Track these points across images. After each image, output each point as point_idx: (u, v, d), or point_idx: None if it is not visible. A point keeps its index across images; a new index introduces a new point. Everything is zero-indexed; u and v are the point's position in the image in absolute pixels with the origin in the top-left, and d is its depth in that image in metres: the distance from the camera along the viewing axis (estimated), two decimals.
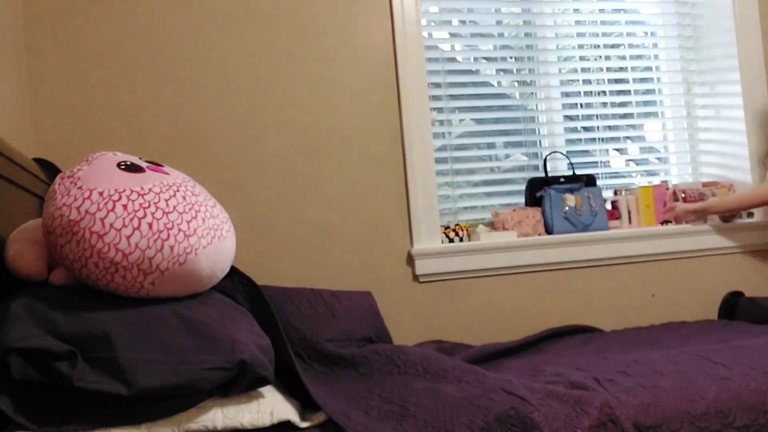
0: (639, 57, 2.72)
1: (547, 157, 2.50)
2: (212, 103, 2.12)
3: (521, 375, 1.59)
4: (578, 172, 2.53)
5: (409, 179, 2.23)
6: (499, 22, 2.64)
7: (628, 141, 2.72)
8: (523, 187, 2.49)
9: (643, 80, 2.70)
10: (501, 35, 2.67)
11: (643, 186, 2.51)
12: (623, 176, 2.72)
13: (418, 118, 2.25)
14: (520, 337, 2.16)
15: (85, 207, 1.13)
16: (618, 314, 2.38)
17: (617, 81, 2.67)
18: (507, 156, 2.62)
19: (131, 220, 1.14)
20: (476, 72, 2.61)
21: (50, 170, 1.83)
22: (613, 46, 2.69)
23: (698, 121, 2.73)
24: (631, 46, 2.71)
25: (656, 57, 2.75)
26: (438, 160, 2.38)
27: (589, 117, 2.65)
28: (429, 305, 2.24)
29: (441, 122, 2.45)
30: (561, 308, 2.34)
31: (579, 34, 2.66)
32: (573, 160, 2.53)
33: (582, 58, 2.64)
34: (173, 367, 1.09)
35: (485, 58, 2.61)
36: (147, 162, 1.32)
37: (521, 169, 2.58)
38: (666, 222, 2.49)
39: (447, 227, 2.30)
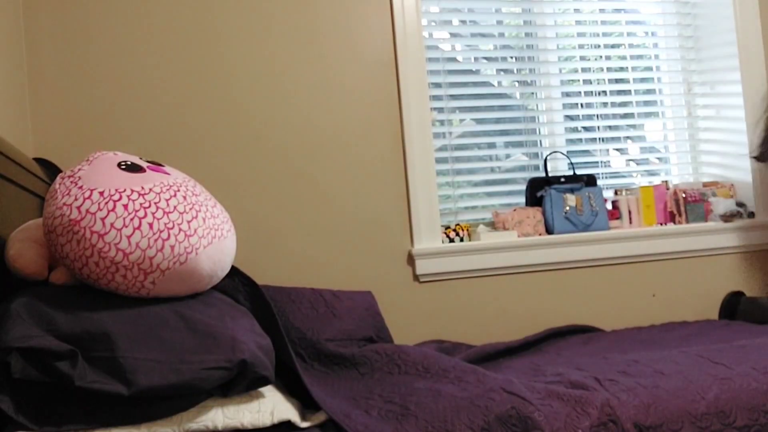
0: (639, 57, 2.72)
1: (548, 157, 2.50)
2: (212, 103, 2.12)
3: (522, 375, 1.59)
4: (579, 172, 2.53)
5: (410, 179, 2.23)
6: (499, 22, 2.64)
7: (629, 141, 2.72)
8: (523, 187, 2.49)
9: (643, 80, 2.70)
10: (501, 35, 2.67)
11: (644, 186, 2.51)
12: (624, 176, 2.71)
13: (419, 117, 2.25)
14: (520, 336, 2.16)
15: (85, 206, 1.13)
16: (618, 314, 2.38)
17: (618, 81, 2.67)
18: (507, 156, 2.62)
19: (132, 219, 1.14)
20: (477, 72, 2.61)
21: (51, 170, 1.83)
22: (613, 46, 2.69)
23: (699, 121, 2.72)
24: (631, 46, 2.71)
25: (657, 57, 2.75)
26: (438, 160, 2.38)
27: (589, 117, 2.65)
28: (429, 305, 2.23)
29: (441, 122, 2.45)
30: (561, 308, 2.34)
31: (579, 34, 2.66)
32: (573, 160, 2.53)
33: (582, 58, 2.64)
34: (174, 367, 1.09)
35: (486, 58, 2.61)
36: (147, 162, 1.32)
37: (522, 168, 2.57)
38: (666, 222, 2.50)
39: (447, 227, 2.30)
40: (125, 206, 1.15)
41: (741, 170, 2.57)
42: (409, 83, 2.25)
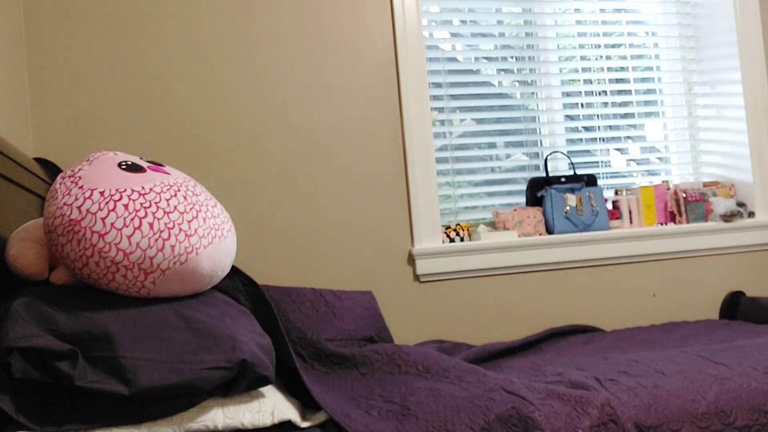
0: (640, 57, 2.72)
1: (548, 157, 2.50)
2: (213, 103, 2.12)
3: (522, 375, 1.59)
4: (579, 171, 2.53)
5: (410, 179, 2.23)
6: (499, 22, 2.64)
7: (629, 141, 2.72)
8: (523, 187, 2.49)
9: (643, 80, 2.70)
10: (502, 35, 2.67)
11: (644, 186, 2.51)
12: (624, 176, 2.71)
13: (419, 117, 2.25)
14: (520, 336, 2.16)
15: (86, 206, 1.13)
16: (619, 314, 2.38)
17: (618, 81, 2.67)
18: (508, 156, 2.62)
19: (132, 219, 1.14)
20: (477, 72, 2.61)
21: (51, 170, 1.83)
22: (613, 46, 2.69)
23: (699, 121, 2.72)
24: (631, 45, 2.71)
25: (657, 57, 2.75)
26: (439, 160, 2.38)
27: (589, 117, 2.65)
28: (430, 305, 2.23)
29: (442, 122, 2.45)
30: (562, 308, 2.34)
31: (580, 34, 2.66)
32: (574, 160, 2.53)
33: (583, 58, 2.63)
34: (174, 367, 1.09)
35: (486, 58, 2.61)
36: (148, 162, 1.32)
37: (522, 168, 2.57)
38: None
39: (448, 227, 2.30)
40: (126, 206, 1.15)
41: (741, 170, 2.57)
42: (409, 83, 2.25)
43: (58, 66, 2.02)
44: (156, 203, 1.18)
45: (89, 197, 1.14)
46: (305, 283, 2.12)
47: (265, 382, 1.19)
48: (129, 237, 1.13)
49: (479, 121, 2.61)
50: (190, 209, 1.22)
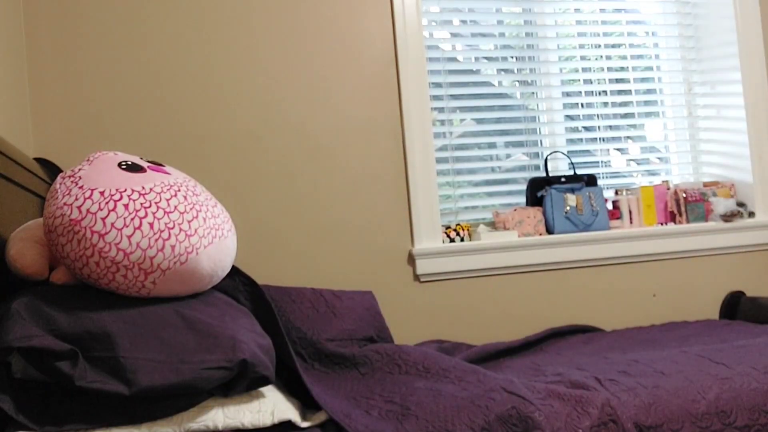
0: (640, 57, 2.71)
1: (548, 157, 2.50)
2: (213, 103, 2.12)
3: (522, 375, 1.59)
4: (579, 171, 2.53)
5: (410, 179, 2.23)
6: (500, 22, 2.64)
7: (629, 141, 2.72)
8: (523, 187, 2.49)
9: (644, 80, 2.70)
10: (502, 35, 2.67)
11: (644, 186, 2.51)
12: (624, 176, 2.71)
13: (419, 117, 2.25)
14: (520, 336, 2.16)
15: (86, 206, 1.13)
16: (619, 314, 2.38)
17: (618, 81, 2.67)
18: (508, 156, 2.62)
19: (132, 219, 1.14)
20: (477, 72, 2.61)
21: (51, 170, 1.83)
22: (614, 46, 2.69)
23: (699, 121, 2.72)
24: (631, 45, 2.71)
25: (657, 57, 2.75)
26: (439, 160, 2.38)
27: (589, 117, 2.65)
28: (430, 305, 2.23)
29: (442, 122, 2.45)
30: (562, 308, 2.34)
31: (580, 34, 2.66)
32: (574, 160, 2.53)
33: (583, 58, 2.63)
34: (174, 367, 1.09)
35: (486, 58, 2.61)
36: (148, 162, 1.32)
37: (522, 168, 2.57)
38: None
39: (448, 227, 2.30)
40: (126, 206, 1.15)
41: (741, 170, 2.57)
42: (409, 83, 2.25)
43: (58, 66, 2.02)
44: (156, 203, 1.18)
45: (89, 197, 1.14)
46: (305, 283, 2.11)
47: (265, 382, 1.19)
48: (129, 237, 1.13)
49: (479, 121, 2.61)
50: (190, 209, 1.22)
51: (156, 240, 1.14)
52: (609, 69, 2.65)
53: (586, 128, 2.67)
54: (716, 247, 2.47)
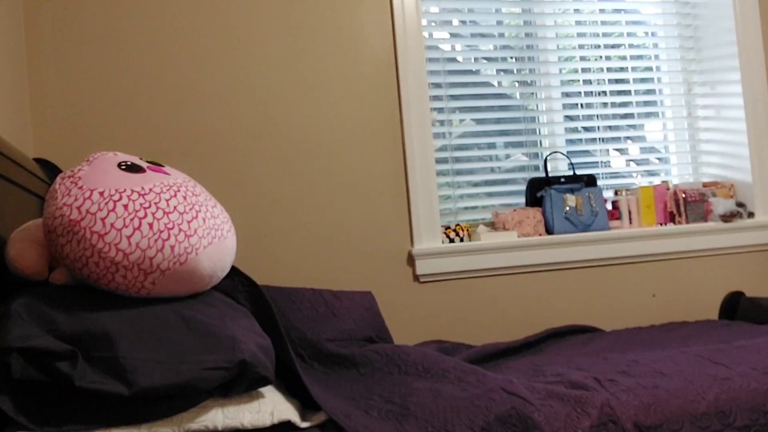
0: (639, 57, 2.72)
1: (548, 157, 2.50)
2: (212, 104, 2.12)
3: (522, 375, 1.58)
4: (579, 172, 2.53)
5: (410, 179, 2.23)
6: (499, 22, 2.64)
7: (629, 141, 2.72)
8: (523, 187, 2.49)
9: (643, 80, 2.70)
10: (501, 35, 2.67)
11: (644, 186, 2.51)
12: (624, 176, 2.71)
13: (419, 118, 2.25)
14: (520, 337, 2.16)
15: (85, 207, 1.13)
16: (618, 314, 2.38)
17: (618, 81, 2.67)
18: (507, 156, 2.62)
19: (132, 219, 1.14)
20: (477, 72, 2.61)
21: (51, 170, 1.83)
22: (613, 46, 2.69)
23: (699, 121, 2.72)
24: (631, 46, 2.71)
25: (657, 57, 2.75)
26: (438, 160, 2.38)
27: (589, 117, 2.65)
28: (429, 305, 2.23)
29: (441, 122, 2.45)
30: (561, 308, 2.34)
31: (579, 34, 2.66)
32: (573, 160, 2.53)
33: (582, 58, 2.64)
34: (174, 367, 1.09)
35: (486, 58, 2.61)
36: (147, 162, 1.32)
37: (522, 169, 2.57)
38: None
39: (447, 227, 2.30)
40: (125, 206, 1.15)
41: (741, 170, 2.57)
42: (409, 83, 2.25)
43: (58, 66, 2.02)
44: (156, 203, 1.18)
45: (89, 197, 1.14)
46: (305, 284, 2.11)
47: (265, 382, 1.19)
48: (129, 237, 1.13)
49: (479, 121, 2.61)
50: (190, 209, 1.22)
51: (155, 240, 1.14)
52: (608, 69, 2.65)
53: (586, 128, 2.67)
54: (716, 247, 2.47)
